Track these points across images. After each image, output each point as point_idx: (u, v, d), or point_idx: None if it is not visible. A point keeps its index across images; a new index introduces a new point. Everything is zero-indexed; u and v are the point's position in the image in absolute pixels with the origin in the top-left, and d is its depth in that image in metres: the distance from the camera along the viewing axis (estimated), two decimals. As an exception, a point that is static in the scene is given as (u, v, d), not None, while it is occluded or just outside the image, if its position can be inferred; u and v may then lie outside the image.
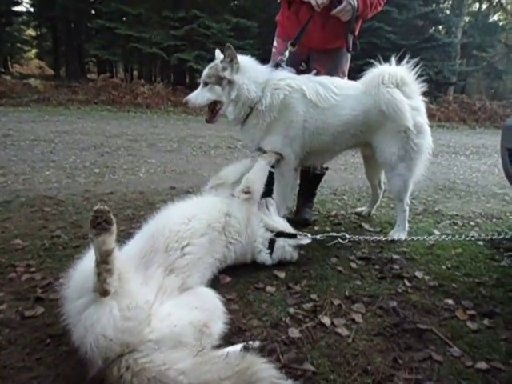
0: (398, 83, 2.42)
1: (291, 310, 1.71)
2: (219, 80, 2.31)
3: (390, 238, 2.52)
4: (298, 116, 2.37)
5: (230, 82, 2.30)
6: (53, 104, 11.17)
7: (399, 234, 2.61)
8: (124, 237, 2.42)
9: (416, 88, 2.52)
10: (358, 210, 3.23)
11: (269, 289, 1.89)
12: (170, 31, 14.68)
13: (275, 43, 2.75)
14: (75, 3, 17.04)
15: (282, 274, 2.04)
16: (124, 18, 16.09)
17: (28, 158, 4.70)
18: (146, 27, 15.15)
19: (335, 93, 2.41)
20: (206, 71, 2.38)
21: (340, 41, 2.58)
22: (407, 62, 2.51)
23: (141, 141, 6.39)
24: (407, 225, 2.69)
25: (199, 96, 2.37)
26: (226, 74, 2.29)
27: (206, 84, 2.35)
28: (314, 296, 1.83)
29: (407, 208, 2.65)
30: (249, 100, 2.32)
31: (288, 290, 1.89)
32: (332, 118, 2.41)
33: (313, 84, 2.41)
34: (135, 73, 22.49)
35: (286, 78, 2.40)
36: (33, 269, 1.96)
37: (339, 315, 1.71)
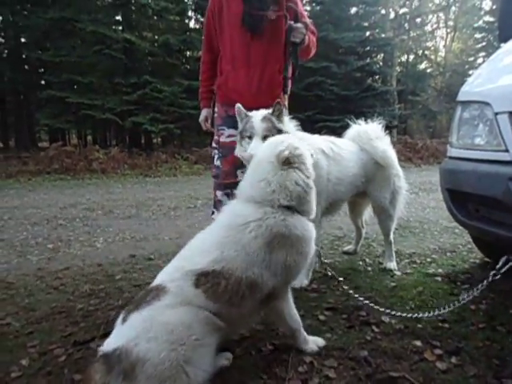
0: (378, 137, 2.88)
1: (264, 376, 1.65)
2: (277, 132, 2.24)
3: (386, 268, 2.95)
4: (323, 171, 2.53)
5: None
6: (1, 177, 10.75)
7: (393, 263, 3.04)
8: (82, 316, 2.30)
9: (387, 139, 2.97)
10: (345, 248, 3.56)
11: (237, 352, 1.83)
12: (123, 97, 14.90)
13: (216, 109, 2.91)
14: (24, 75, 17.09)
15: (247, 334, 2.00)
16: (75, 87, 16.23)
17: (-26, 239, 4.41)
18: (98, 94, 15.31)
19: (343, 148, 2.73)
20: (261, 125, 2.29)
21: (272, 99, 2.59)
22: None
23: (97, 209, 6.20)
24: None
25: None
26: (281, 126, 2.32)
27: (265, 137, 2.24)
28: (284, 356, 1.79)
29: (392, 239, 3.11)
30: None
31: (258, 353, 1.84)
32: (345, 170, 2.69)
33: (325, 142, 2.68)
34: (89, 138, 22.36)
35: (308, 137, 2.59)
36: (-21, 365, 1.79)
37: (312, 374, 1.68)
